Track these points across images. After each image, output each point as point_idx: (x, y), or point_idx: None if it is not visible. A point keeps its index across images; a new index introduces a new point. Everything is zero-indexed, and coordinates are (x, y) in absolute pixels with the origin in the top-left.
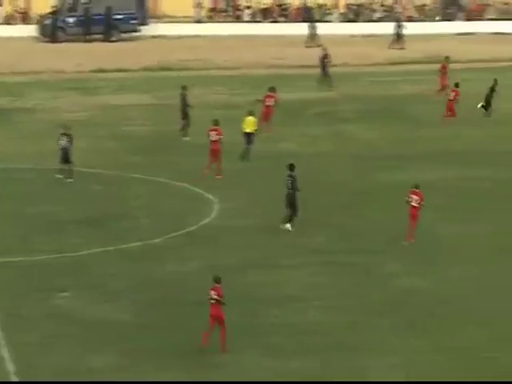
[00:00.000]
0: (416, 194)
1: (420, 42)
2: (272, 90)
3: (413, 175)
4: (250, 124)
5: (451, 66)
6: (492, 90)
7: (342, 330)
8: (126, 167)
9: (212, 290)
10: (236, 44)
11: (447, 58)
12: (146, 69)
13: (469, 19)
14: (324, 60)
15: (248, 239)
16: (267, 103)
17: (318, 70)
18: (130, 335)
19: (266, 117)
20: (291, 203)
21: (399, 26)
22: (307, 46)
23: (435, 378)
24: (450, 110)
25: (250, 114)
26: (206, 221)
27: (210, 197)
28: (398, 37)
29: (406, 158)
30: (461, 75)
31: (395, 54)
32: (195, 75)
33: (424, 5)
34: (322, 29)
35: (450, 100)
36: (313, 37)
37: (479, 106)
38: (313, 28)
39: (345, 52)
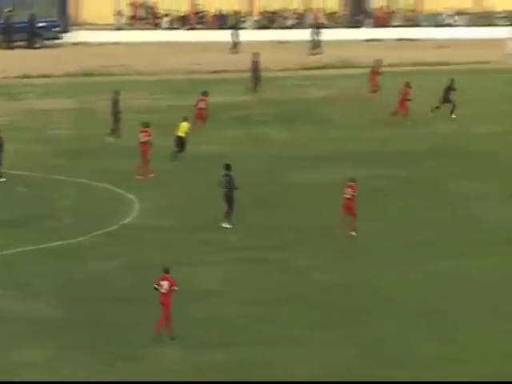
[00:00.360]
0: (351, 187)
1: (330, 48)
2: (204, 93)
3: (325, 175)
4: (183, 129)
5: (361, 70)
6: (449, 89)
7: (258, 323)
8: (50, 169)
9: (162, 280)
10: (155, 50)
11: (379, 61)
12: (68, 75)
13: (376, 26)
14: (255, 65)
15: (166, 238)
16: (199, 106)
17: (235, 75)
18: (54, 331)
19: (199, 118)
20: (228, 201)
21: (316, 33)
22: (232, 53)
23: (347, 369)
24: (403, 108)
25: (185, 119)
26: (127, 221)
27: (131, 197)
28: (315, 43)
29: (318, 158)
30: (367, 79)
31: (308, 59)
32: (117, 81)
33: (334, 12)
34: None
35: (402, 100)
36: (235, 44)
37: (435, 107)
38: (236, 35)
39: (260, 57)
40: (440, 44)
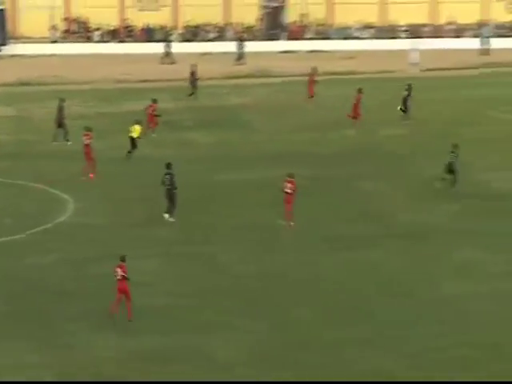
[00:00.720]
0: (290, 182)
1: (250, 59)
2: (154, 101)
3: (246, 175)
4: (135, 131)
5: (278, 79)
6: (408, 94)
7: (187, 313)
8: None
9: (118, 268)
10: (88, 62)
11: (314, 69)
12: (6, 84)
13: (291, 39)
14: (193, 75)
15: (100, 234)
16: (149, 112)
17: (162, 84)
18: None
19: (150, 123)
20: (170, 198)
21: (241, 45)
22: (162, 63)
23: (270, 355)
24: (355, 112)
25: (137, 122)
26: (62, 219)
27: (66, 197)
28: (240, 55)
29: (240, 160)
30: (283, 87)
31: (231, 69)
32: (52, 90)
33: (252, 26)
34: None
35: (355, 104)
36: (168, 54)
37: (398, 108)
38: (168, 47)
39: (185, 68)
40: (349, 55)
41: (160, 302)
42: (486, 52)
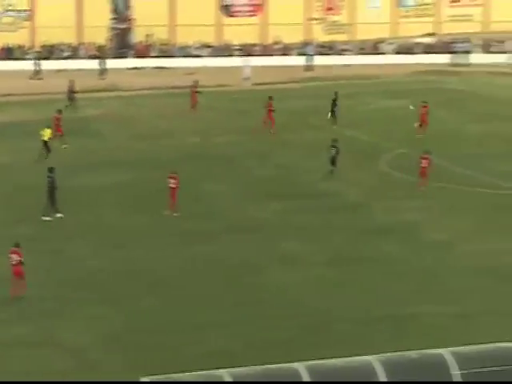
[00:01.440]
0: (173, 178)
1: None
2: (59, 111)
3: (101, 178)
4: (45, 134)
5: (127, 93)
6: (334, 101)
7: (49, 302)
8: None
9: (13, 253)
10: None
11: (195, 81)
12: None
13: (138, 57)
14: (71, 89)
15: None
16: (55, 123)
17: (23, 98)
18: None
19: (58, 130)
20: (51, 198)
21: (103, 62)
22: (31, 79)
23: (116, 338)
24: (270, 119)
25: (48, 127)
26: None
27: None
28: (102, 70)
29: (95, 165)
30: (132, 100)
31: (86, 83)
32: None
33: (103, 46)
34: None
35: (268, 111)
36: (37, 72)
37: (328, 116)
38: (37, 64)
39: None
40: (189, 71)
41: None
42: (310, 68)
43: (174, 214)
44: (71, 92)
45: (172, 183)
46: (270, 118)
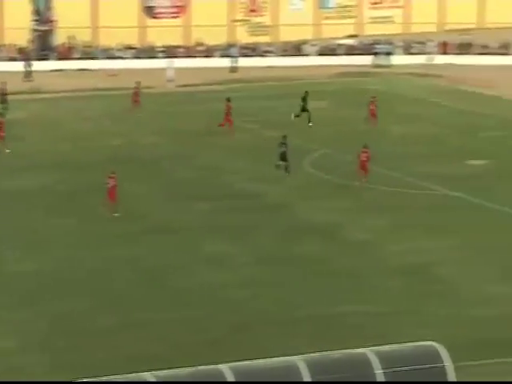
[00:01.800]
0: (112, 178)
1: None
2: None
3: (23, 181)
4: None
5: (50, 95)
6: (304, 100)
7: None
8: None
9: None
10: None
11: (138, 82)
12: None
13: (60, 59)
14: (2, 91)
15: None
16: None
17: None
18: None
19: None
20: None
21: (29, 65)
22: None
23: (41, 343)
24: (228, 121)
25: None
26: None
27: None
28: (27, 72)
29: (17, 169)
30: (58, 103)
31: (12, 86)
32: None
33: (24, 47)
34: None
35: (227, 113)
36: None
37: (292, 117)
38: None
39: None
40: (112, 73)
41: None
42: (234, 70)
43: (115, 215)
44: (3, 94)
45: (111, 183)
46: (228, 120)
